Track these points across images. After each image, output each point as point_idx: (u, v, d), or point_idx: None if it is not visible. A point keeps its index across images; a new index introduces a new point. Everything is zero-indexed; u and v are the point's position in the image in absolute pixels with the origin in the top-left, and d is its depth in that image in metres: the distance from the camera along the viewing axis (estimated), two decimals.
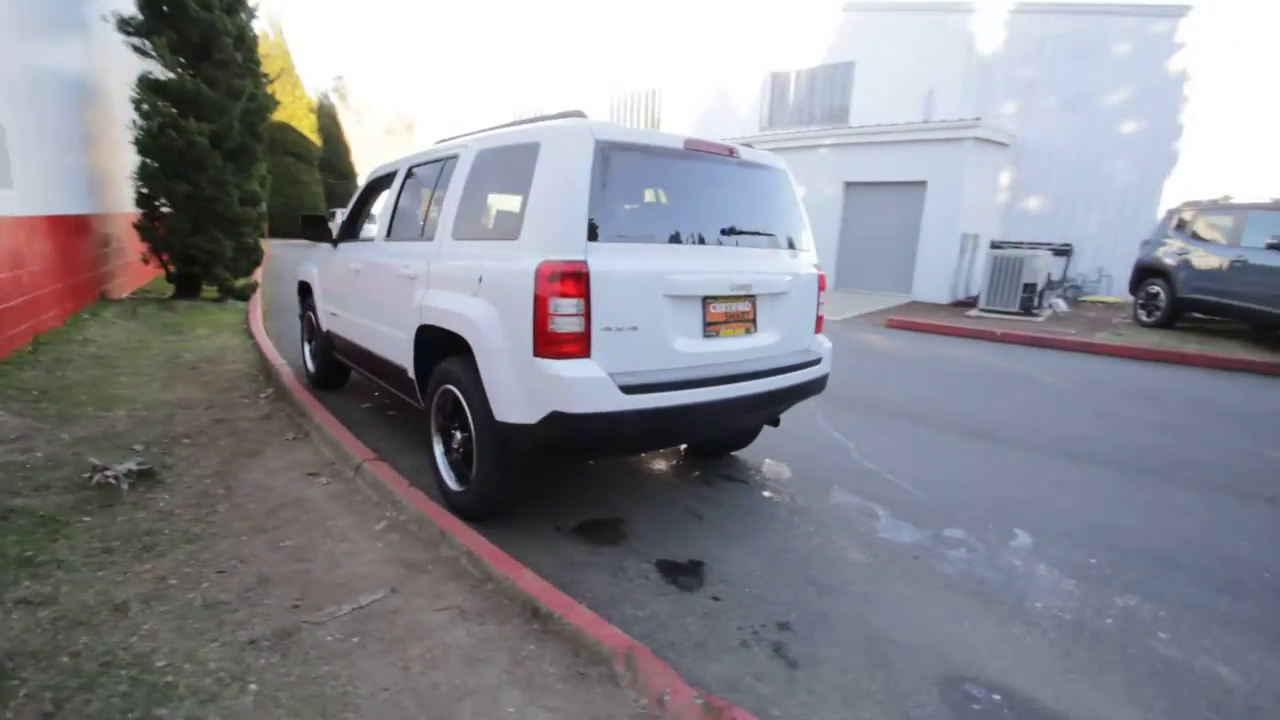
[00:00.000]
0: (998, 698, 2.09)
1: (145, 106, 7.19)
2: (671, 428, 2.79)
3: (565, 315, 2.46)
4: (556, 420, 2.50)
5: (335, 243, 4.67)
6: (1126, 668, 2.27)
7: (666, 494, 3.54)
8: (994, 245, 13.29)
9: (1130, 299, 12.66)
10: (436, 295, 3.08)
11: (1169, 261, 9.04)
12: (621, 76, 20.48)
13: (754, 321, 3.06)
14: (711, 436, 3.79)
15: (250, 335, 6.82)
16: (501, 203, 2.97)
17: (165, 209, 7.79)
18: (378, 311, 3.78)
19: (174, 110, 7.28)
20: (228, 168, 7.90)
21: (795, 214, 3.37)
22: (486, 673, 1.97)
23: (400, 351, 3.49)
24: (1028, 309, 11.01)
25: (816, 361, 3.34)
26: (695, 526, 3.18)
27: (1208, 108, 13.51)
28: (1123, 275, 13.71)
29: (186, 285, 8.38)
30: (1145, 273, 9.52)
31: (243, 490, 3.23)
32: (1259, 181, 13.71)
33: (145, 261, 8.12)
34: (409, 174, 3.81)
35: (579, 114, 2.80)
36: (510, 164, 2.89)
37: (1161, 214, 13.73)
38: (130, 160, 7.65)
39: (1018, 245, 13.34)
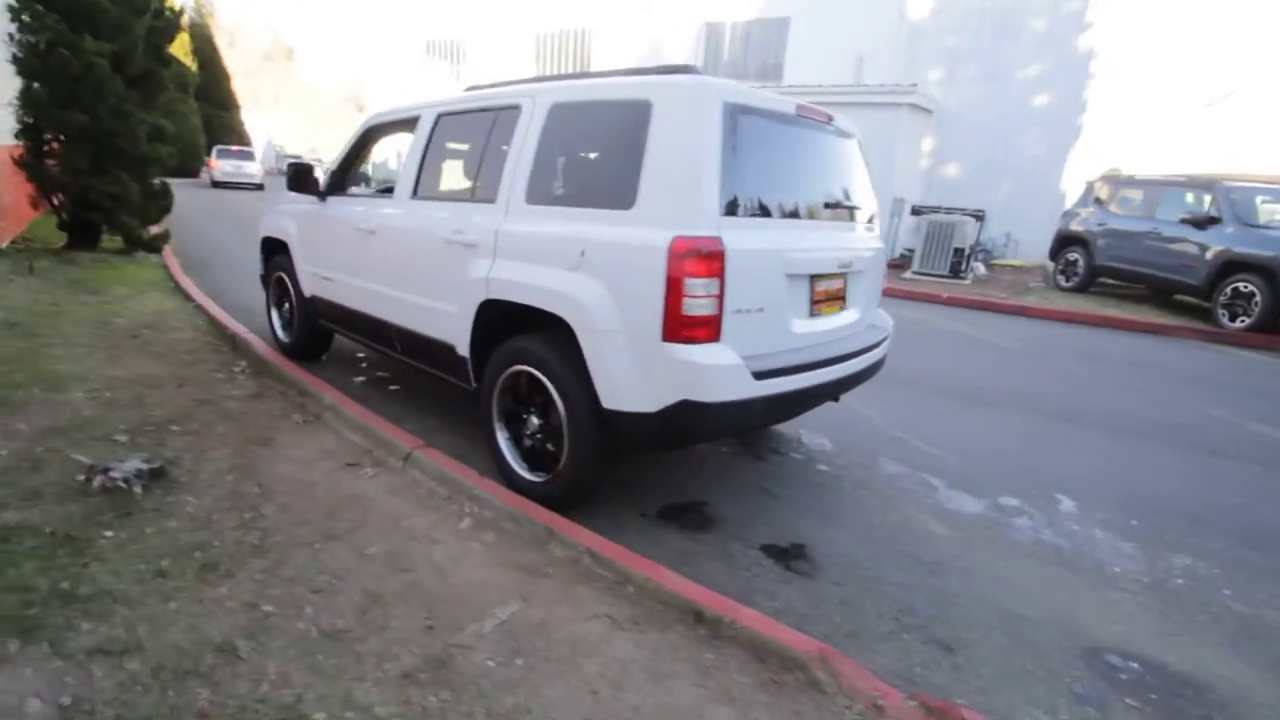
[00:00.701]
0: (1136, 665, 2.21)
1: (27, 17, 5.91)
2: (782, 412, 2.69)
3: (700, 297, 2.27)
4: (686, 410, 2.33)
5: (324, 196, 4.11)
6: (1217, 626, 2.47)
7: (729, 472, 3.47)
8: (914, 210, 13.93)
9: (1039, 263, 13.80)
10: (511, 267, 2.76)
11: (1088, 231, 9.84)
12: (549, 12, 19.31)
13: (844, 299, 2.99)
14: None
15: (186, 296, 5.97)
16: (596, 165, 2.67)
17: (55, 143, 6.54)
18: (408, 280, 3.36)
19: (64, 24, 6.03)
20: (131, 96, 6.72)
21: (867, 184, 3.29)
22: (679, 689, 1.85)
23: (445, 326, 3.14)
24: (956, 272, 11.70)
25: (885, 338, 3.34)
26: (775, 506, 3.14)
27: (1108, 85, 14.67)
28: (1029, 240, 14.90)
29: (83, 234, 7.17)
30: (1065, 241, 10.33)
31: (280, 487, 2.83)
32: (1146, 157, 15.18)
33: (35, 206, 6.83)
34: (438, 123, 3.36)
35: (689, 69, 2.54)
36: (605, 122, 2.60)
37: (1065, 184, 14.97)
38: (6, 84, 6.32)
39: (935, 210, 14.04)
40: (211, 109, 25.39)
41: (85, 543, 2.28)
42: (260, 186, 21.91)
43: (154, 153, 7.09)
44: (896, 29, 15.56)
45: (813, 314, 2.76)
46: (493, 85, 3.32)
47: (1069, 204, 13.34)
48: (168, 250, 7.75)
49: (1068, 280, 10.30)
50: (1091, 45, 14.22)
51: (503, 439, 2.99)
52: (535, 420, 2.84)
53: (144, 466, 2.75)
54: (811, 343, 2.72)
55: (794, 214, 2.67)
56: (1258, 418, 4.97)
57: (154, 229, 7.69)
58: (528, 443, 2.90)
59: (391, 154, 4.28)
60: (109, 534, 2.35)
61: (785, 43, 16.65)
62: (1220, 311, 7.82)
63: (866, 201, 3.25)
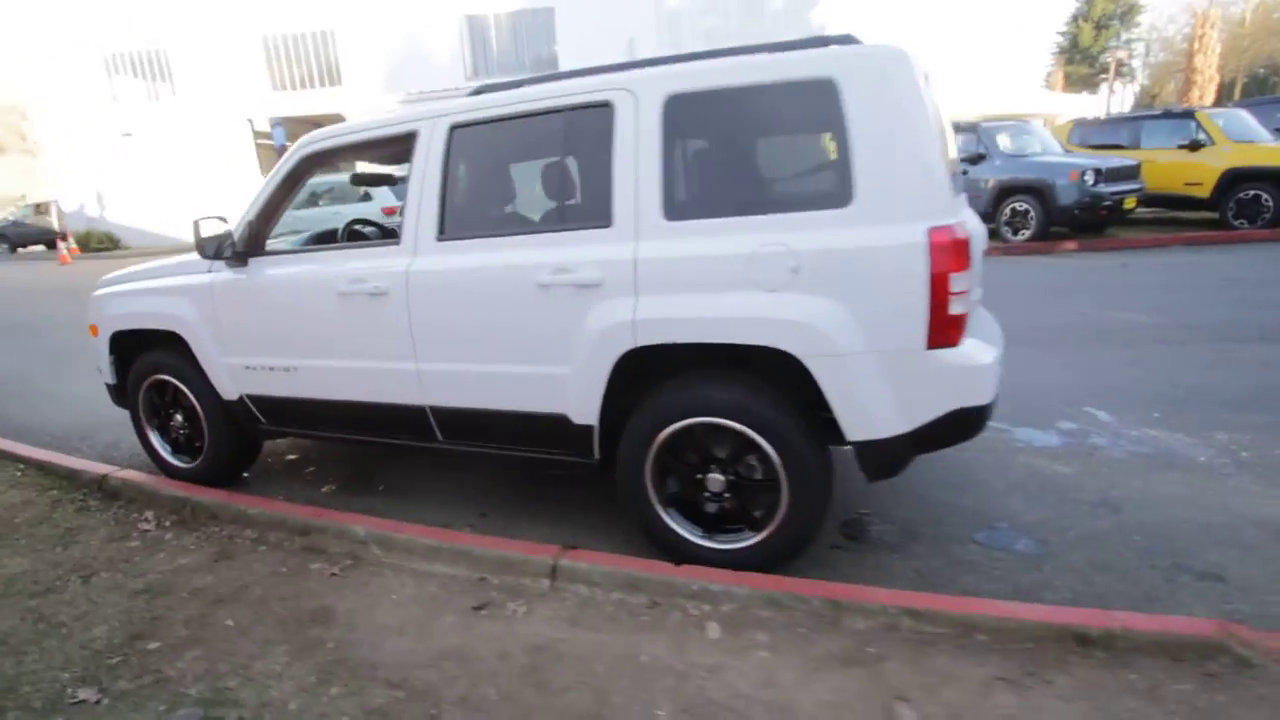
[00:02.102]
0: None
1: None
2: None
3: (962, 293, 2.02)
4: (956, 419, 2.08)
5: (243, 257, 2.96)
6: None
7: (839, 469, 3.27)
8: None
9: None
10: (671, 302, 2.20)
11: None
12: (278, 14, 16.63)
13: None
14: None
15: None
16: (768, 160, 2.22)
17: None
18: (468, 346, 2.54)
19: None
20: None
21: None
22: None
23: (550, 394, 2.45)
24: None
25: None
26: (921, 491, 3.02)
27: None
28: None
29: None
30: None
31: (429, 676, 1.97)
32: None
33: None
34: (453, 137, 2.55)
35: (850, 39, 2.21)
36: (765, 109, 2.17)
37: None
38: None
39: None
40: None
41: None
42: None
43: None
44: (658, 13, 16.18)
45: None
46: (530, 81, 2.61)
47: None
48: None
49: None
50: (823, 20, 16.24)
51: (664, 511, 2.43)
52: (718, 478, 2.35)
53: None
54: (989, 318, 2.63)
55: (954, 185, 2.50)
56: (1114, 308, 6.04)
57: None
58: (711, 508, 2.39)
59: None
60: None
61: (554, 33, 16.41)
62: (1005, 229, 9.48)
63: None
